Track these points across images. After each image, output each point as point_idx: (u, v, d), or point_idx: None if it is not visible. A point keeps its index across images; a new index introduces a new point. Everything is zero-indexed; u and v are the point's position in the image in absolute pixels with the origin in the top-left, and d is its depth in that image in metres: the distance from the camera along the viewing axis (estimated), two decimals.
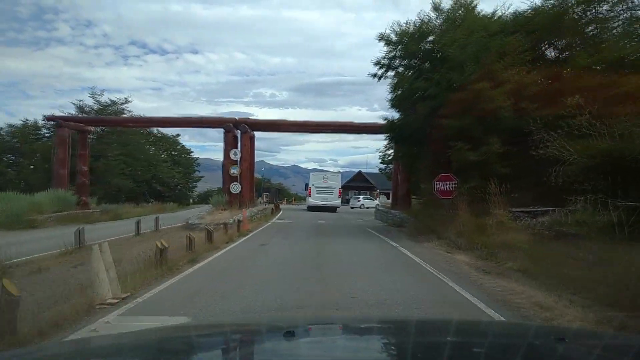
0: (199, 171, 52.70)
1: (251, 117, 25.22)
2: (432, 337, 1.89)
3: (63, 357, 1.64)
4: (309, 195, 37.72)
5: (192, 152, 52.40)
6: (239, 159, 25.26)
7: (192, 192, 53.59)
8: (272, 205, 38.27)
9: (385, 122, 19.79)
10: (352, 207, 49.79)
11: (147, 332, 2.36)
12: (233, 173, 25.06)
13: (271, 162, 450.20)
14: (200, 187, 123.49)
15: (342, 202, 66.91)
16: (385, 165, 37.04)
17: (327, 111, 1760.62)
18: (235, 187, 24.89)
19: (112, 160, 33.97)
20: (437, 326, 2.31)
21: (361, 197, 52.30)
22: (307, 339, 1.87)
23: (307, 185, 39.11)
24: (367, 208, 49.58)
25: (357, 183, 68.83)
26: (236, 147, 25.64)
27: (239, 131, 25.53)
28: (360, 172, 70.10)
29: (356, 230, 19.83)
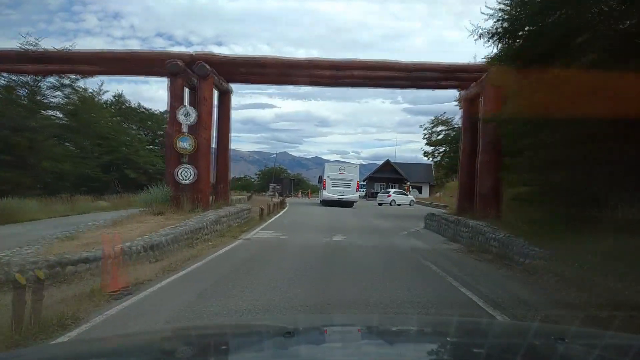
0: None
1: (217, 53, 13.56)
2: (432, 337, 1.87)
3: (63, 357, 1.58)
4: (324, 188, 31.04)
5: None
6: (193, 124, 13.91)
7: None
8: (274, 201, 27.41)
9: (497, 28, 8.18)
10: (379, 204, 38.20)
11: (148, 332, 2.49)
12: (182, 149, 13.73)
13: (293, 154, 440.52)
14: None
15: (367, 196, 55.68)
16: (433, 148, 25.22)
17: (350, 103, 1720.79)
18: (185, 173, 13.58)
19: (41, 135, 23.16)
20: (437, 326, 2.23)
21: (391, 191, 40.50)
22: (307, 340, 1.78)
23: (321, 177, 33.30)
24: (399, 205, 37.93)
25: (384, 174, 57.02)
26: (191, 103, 14.29)
27: (197, 78, 14.13)
28: (388, 161, 58.23)
29: (418, 276, 8.08)
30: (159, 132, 40.30)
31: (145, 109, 37.92)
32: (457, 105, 22.72)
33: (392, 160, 59.38)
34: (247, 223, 15.58)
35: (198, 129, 13.90)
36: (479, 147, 13.84)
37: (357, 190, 31.76)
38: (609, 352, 1.55)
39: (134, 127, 39.01)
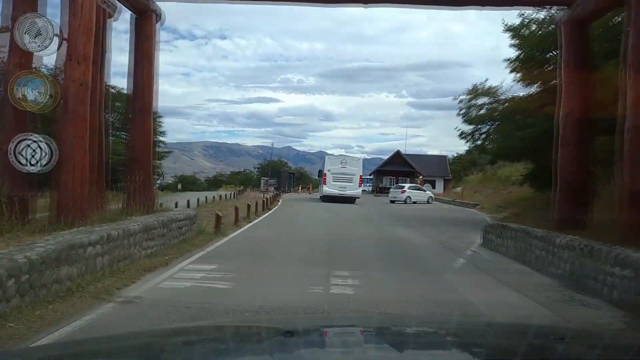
0: (163, 142, 34.10)
1: None
2: (432, 337, 1.83)
3: (63, 357, 1.54)
4: (324, 182, 27.97)
5: (160, 116, 34.17)
6: (52, 52, 6.85)
7: (158, 174, 35.71)
8: (266, 197, 20.88)
9: None
10: (392, 201, 31.27)
11: (148, 333, 2.36)
12: (27, 102, 6.66)
13: (298, 148, 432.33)
14: (224, 170, 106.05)
15: (374, 191, 48.77)
16: (472, 128, 18.02)
17: (354, 97, 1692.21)
18: (31, 152, 6.53)
19: None
20: (437, 326, 2.16)
21: (406, 186, 33.41)
22: (307, 340, 1.72)
23: (321, 171, 30.10)
24: (414, 202, 30.97)
25: (394, 167, 49.89)
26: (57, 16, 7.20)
27: None
28: (398, 152, 51.04)
29: None
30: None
31: (109, 85, 30.64)
32: (509, 66, 15.54)
33: (404, 151, 52.07)
34: (184, 244, 8.56)
35: (66, 65, 6.85)
36: (628, 101, 6.69)
37: (360, 185, 28.76)
38: (609, 352, 1.52)
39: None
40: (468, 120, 17.75)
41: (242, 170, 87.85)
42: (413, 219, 17.97)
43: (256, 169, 78.30)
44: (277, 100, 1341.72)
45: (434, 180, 51.00)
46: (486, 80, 18.51)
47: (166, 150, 34.61)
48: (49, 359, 1.52)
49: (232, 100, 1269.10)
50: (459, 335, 1.77)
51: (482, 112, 17.74)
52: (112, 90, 31.81)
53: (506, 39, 14.86)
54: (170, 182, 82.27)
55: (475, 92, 18.45)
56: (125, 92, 34.86)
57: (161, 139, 33.25)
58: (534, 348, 1.52)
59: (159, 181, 77.06)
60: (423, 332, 1.90)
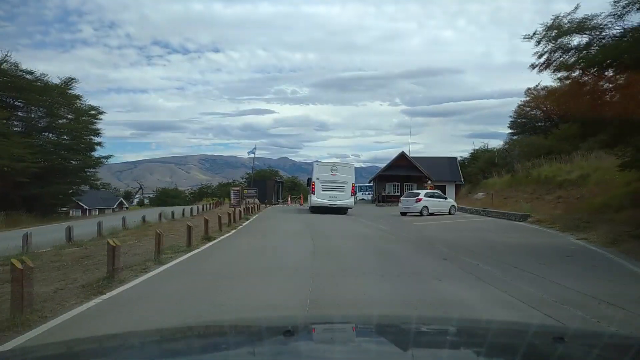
0: (99, 144, 25.76)
1: None
2: (432, 337, 1.79)
3: (63, 357, 1.50)
4: (312, 192, 24.26)
5: (100, 112, 25.95)
6: None
7: (96, 185, 27.49)
8: (238, 210, 12.81)
9: None
10: (403, 213, 23.24)
11: (149, 332, 2.33)
12: None
13: (294, 159, 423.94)
14: (215, 181, 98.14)
15: (376, 201, 40.94)
16: (558, 83, 9.77)
17: (348, 106, 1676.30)
18: None
19: None
20: (436, 325, 2.13)
21: (422, 192, 25.17)
22: (307, 338, 1.71)
23: (310, 179, 26.31)
24: (432, 214, 22.93)
25: (397, 171, 41.76)
26: None
27: None
28: (403, 154, 42.80)
29: None
30: (63, 111, 25.08)
31: (24, 72, 22.40)
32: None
33: (410, 154, 43.83)
34: None
35: None
36: None
37: (353, 194, 25.13)
38: (608, 351, 1.47)
39: (20, 104, 23.87)
40: (560, 69, 9.57)
41: (230, 181, 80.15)
42: (464, 250, 9.75)
43: (244, 180, 70.41)
44: (271, 112, 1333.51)
45: (444, 186, 42.77)
46: (576, 8, 10.41)
47: (102, 156, 26.20)
48: (49, 358, 1.50)
49: (226, 113, 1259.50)
50: (459, 335, 1.74)
51: (583, 54, 9.58)
52: (27, 77, 23.78)
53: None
54: (151, 195, 74.48)
55: (560, 28, 10.31)
56: (53, 82, 25.74)
57: (97, 140, 25.27)
58: (534, 348, 1.51)
59: (137, 195, 67.56)
60: (423, 331, 1.85)
